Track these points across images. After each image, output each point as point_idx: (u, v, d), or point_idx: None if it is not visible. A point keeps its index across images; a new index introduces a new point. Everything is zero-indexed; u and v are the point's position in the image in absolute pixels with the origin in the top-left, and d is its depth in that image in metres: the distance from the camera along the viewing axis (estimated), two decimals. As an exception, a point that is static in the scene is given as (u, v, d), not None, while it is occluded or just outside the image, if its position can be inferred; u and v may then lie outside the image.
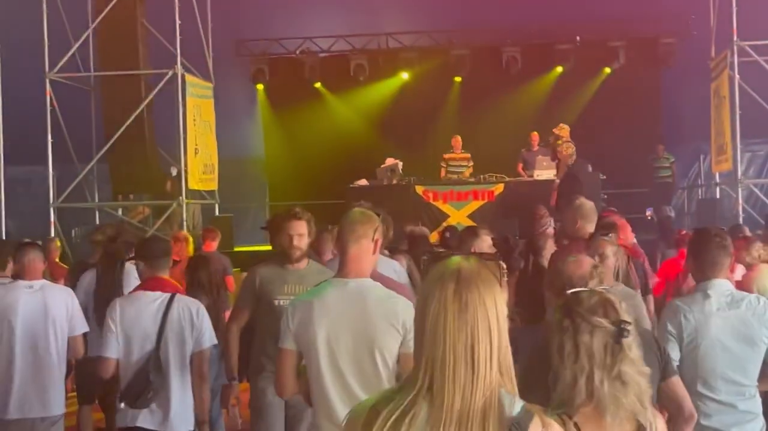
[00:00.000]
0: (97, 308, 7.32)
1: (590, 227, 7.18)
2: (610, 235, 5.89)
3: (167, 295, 5.66)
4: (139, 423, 5.53)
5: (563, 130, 15.75)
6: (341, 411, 4.02)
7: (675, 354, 4.83)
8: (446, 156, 18.08)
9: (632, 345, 2.93)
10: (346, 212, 4.49)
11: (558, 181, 15.11)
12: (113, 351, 5.55)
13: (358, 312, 4.08)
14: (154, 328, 5.54)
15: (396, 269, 6.49)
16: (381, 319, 4.06)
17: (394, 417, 2.32)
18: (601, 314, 2.94)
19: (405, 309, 4.10)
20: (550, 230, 10.79)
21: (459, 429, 2.28)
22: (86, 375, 8.26)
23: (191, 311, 5.65)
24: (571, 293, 3.06)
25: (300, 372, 4.22)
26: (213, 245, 11.13)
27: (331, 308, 4.10)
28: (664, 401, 4.29)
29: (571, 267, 4.26)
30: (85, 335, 6.79)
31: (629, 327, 2.92)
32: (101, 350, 5.64)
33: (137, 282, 6.18)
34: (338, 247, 4.35)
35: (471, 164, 17.87)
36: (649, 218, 17.07)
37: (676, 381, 4.32)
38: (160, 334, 5.53)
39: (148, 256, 5.86)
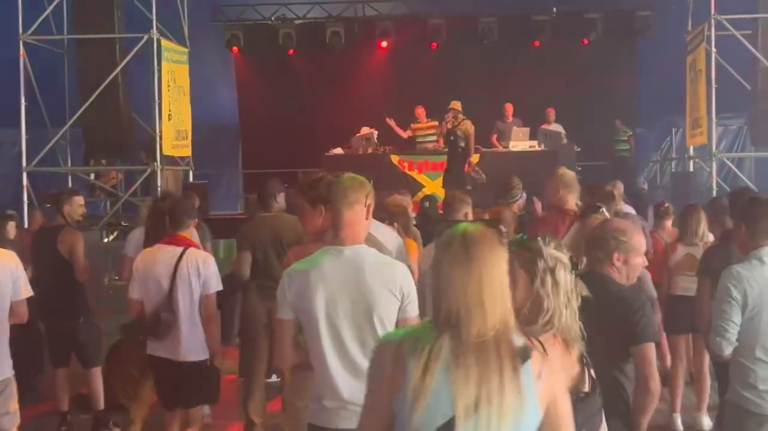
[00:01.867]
0: None
1: (572, 198, 7.22)
2: (601, 209, 5.89)
3: (181, 248, 6.60)
4: (156, 353, 6.60)
5: (457, 104, 15.83)
6: (342, 378, 4.04)
7: (737, 318, 4.92)
8: (414, 126, 17.95)
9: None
10: (335, 179, 4.46)
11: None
12: (135, 293, 6.61)
13: (355, 280, 4.05)
14: (167, 276, 6.50)
15: (394, 237, 6.43)
16: (379, 285, 4.04)
17: (423, 347, 2.70)
18: (563, 253, 3.38)
19: (402, 275, 4.12)
20: (521, 202, 10.83)
21: (477, 355, 2.68)
22: (59, 337, 8.31)
23: (198, 261, 6.58)
24: (530, 237, 3.43)
25: (298, 342, 4.20)
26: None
27: (328, 277, 4.06)
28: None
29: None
30: None
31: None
32: (128, 292, 6.70)
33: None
34: (331, 214, 4.31)
35: (438, 131, 17.58)
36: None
37: (644, 350, 4.32)
38: (172, 280, 6.48)
39: (172, 216, 6.87)
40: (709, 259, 6.81)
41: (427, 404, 2.66)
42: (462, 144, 15.45)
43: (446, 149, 16.55)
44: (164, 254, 6.61)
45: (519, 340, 2.75)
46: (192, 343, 6.58)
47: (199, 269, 6.56)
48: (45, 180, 18.94)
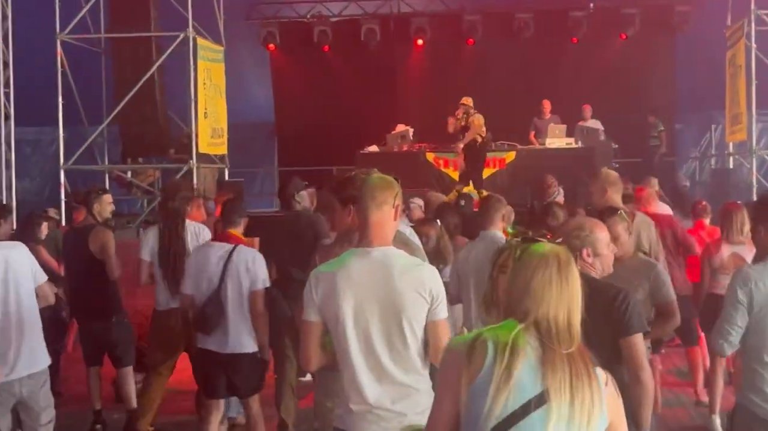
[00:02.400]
0: (162, 265, 7.72)
1: (618, 197, 7.13)
2: (620, 211, 5.83)
3: (231, 245, 6.85)
4: (205, 346, 6.87)
5: (469, 100, 15.84)
6: (369, 382, 3.98)
7: (742, 321, 4.82)
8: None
9: None
10: (363, 179, 4.40)
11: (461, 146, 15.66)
12: (188, 287, 6.89)
13: (383, 282, 3.98)
14: (217, 272, 6.76)
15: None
16: (408, 288, 3.97)
17: (507, 351, 2.84)
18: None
19: (431, 277, 4.04)
20: (560, 199, 10.76)
21: (569, 365, 2.85)
22: (92, 336, 8.34)
23: (247, 259, 6.82)
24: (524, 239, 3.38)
25: (325, 344, 4.15)
26: None
27: (356, 279, 4.00)
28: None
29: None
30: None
31: None
32: (181, 286, 7.03)
33: (198, 237, 7.65)
34: (358, 214, 4.24)
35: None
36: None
37: (632, 342, 4.47)
38: (222, 277, 6.74)
39: (224, 214, 7.24)
40: None
41: (506, 396, 2.80)
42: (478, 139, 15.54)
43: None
44: (216, 250, 6.88)
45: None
46: (240, 337, 6.84)
47: (248, 265, 6.80)
48: (82, 178, 19.10)
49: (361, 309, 3.98)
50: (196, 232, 7.83)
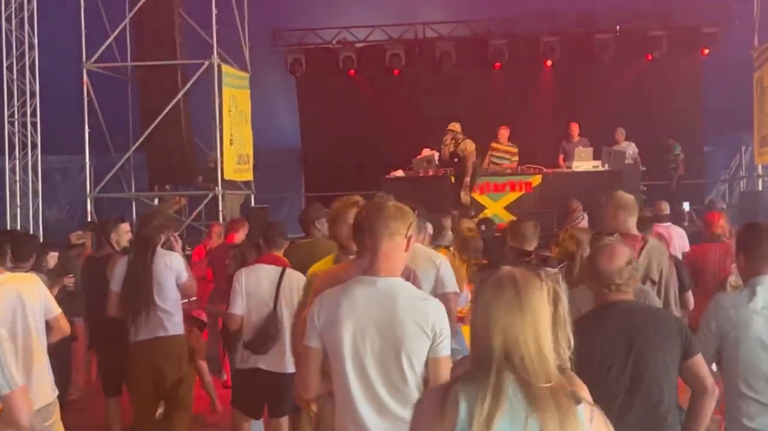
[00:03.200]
0: (124, 293, 7.39)
1: (633, 221, 6.99)
2: (615, 234, 5.73)
3: (280, 268, 7.07)
4: (260, 365, 7.02)
5: (457, 126, 15.95)
6: (366, 414, 3.89)
7: (710, 349, 4.72)
8: (493, 145, 17.61)
9: None
10: (379, 206, 4.34)
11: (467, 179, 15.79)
12: (239, 308, 7.05)
13: (386, 313, 3.90)
14: (271, 293, 6.99)
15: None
16: (410, 322, 3.87)
17: (486, 402, 2.66)
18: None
19: (436, 312, 3.94)
20: (584, 224, 10.62)
21: (555, 402, 2.67)
22: (111, 366, 8.28)
23: (297, 280, 6.85)
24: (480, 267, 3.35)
25: (325, 371, 4.09)
26: (236, 237, 10.91)
27: (359, 308, 3.93)
28: (687, 379, 4.33)
29: (603, 259, 4.40)
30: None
31: None
32: (230, 307, 7.10)
33: (168, 267, 7.35)
34: (369, 242, 4.17)
35: (516, 158, 17.39)
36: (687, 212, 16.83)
37: (699, 360, 4.33)
38: (276, 298, 6.96)
39: (266, 237, 7.42)
40: None
41: None
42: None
43: (508, 171, 16.57)
44: (267, 273, 7.11)
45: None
46: (289, 356, 6.92)
47: (299, 287, 6.75)
48: (111, 205, 19.20)
49: (361, 338, 3.89)
50: (168, 262, 7.49)
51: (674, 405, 4.29)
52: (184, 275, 7.59)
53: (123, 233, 8.46)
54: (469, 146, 15.74)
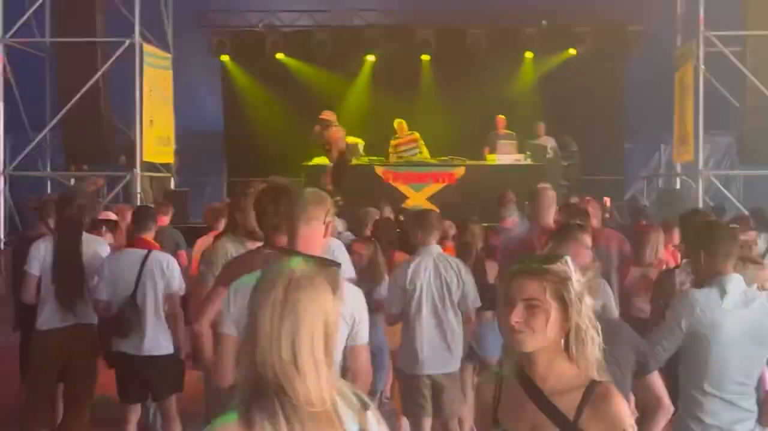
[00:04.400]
0: (57, 280, 7.20)
1: (547, 214, 7.05)
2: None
3: (145, 251, 7.05)
4: (122, 349, 7.03)
5: (331, 115, 16.39)
6: None
7: (673, 345, 4.70)
8: (393, 143, 17.54)
9: None
10: (298, 191, 4.25)
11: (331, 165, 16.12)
12: (104, 293, 7.01)
13: None
14: (132, 277, 6.95)
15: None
16: None
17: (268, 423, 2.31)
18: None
19: (354, 298, 3.88)
20: (514, 218, 10.65)
21: (326, 417, 2.36)
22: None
23: (162, 263, 7.05)
24: (550, 259, 3.06)
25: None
26: (164, 220, 10.75)
27: None
28: (643, 396, 4.23)
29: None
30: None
31: None
32: (96, 294, 7.08)
33: (99, 255, 7.34)
34: (287, 227, 4.07)
35: (420, 142, 17.39)
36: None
37: (656, 378, 4.25)
38: (136, 281, 6.93)
39: (136, 220, 7.36)
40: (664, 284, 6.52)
41: None
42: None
43: (433, 161, 16.60)
44: (131, 256, 7.09)
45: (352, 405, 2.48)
46: (157, 339, 7.04)
47: (163, 269, 7.03)
48: (26, 184, 18.75)
49: None
50: (99, 250, 7.46)
51: None
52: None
53: None
54: (334, 133, 15.98)
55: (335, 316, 2.44)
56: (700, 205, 16.35)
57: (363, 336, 3.86)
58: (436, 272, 6.79)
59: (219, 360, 4.02)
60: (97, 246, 7.49)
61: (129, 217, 9.71)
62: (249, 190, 5.43)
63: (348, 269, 5.78)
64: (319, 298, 2.40)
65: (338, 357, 3.79)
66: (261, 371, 2.33)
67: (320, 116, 16.31)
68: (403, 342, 6.90)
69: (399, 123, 17.52)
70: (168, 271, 7.05)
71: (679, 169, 19.09)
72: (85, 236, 7.45)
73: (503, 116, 17.87)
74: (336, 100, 21.07)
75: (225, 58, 21.46)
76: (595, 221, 8.42)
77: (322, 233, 4.01)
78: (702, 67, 16.50)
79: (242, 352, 2.46)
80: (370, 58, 21.30)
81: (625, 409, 2.91)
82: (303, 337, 2.35)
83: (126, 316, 6.90)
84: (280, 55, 21.24)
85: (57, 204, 7.86)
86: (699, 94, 16.62)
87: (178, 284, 7.09)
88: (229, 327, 3.92)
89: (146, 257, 7.03)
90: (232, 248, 5.31)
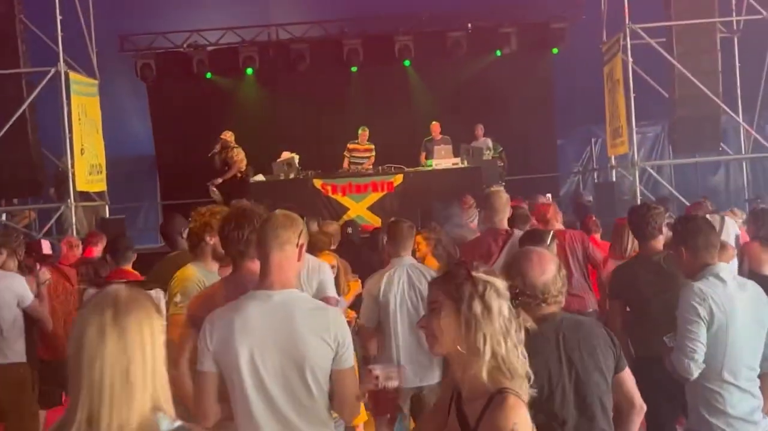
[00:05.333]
0: None
1: (500, 217, 7.06)
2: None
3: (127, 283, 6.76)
4: None
5: (229, 135, 16.80)
6: None
7: (704, 338, 4.69)
8: (350, 146, 17.71)
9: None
10: (266, 215, 4.12)
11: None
12: None
13: (285, 328, 3.70)
14: None
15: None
16: (310, 334, 3.69)
17: None
18: (497, 278, 3.01)
19: (336, 321, 3.78)
20: (475, 222, 10.65)
21: None
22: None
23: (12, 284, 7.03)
24: (456, 262, 3.07)
25: (225, 395, 3.83)
26: (95, 251, 10.43)
27: (255, 325, 3.71)
28: (616, 393, 4.07)
29: (534, 270, 3.85)
30: None
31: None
32: None
33: (8, 289, 7.09)
34: (259, 254, 3.95)
35: (372, 154, 17.56)
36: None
37: (628, 375, 4.09)
38: None
39: (114, 251, 7.40)
40: (619, 279, 6.37)
41: None
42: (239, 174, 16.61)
43: (370, 170, 16.60)
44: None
45: (173, 425, 2.37)
46: None
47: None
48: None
49: (260, 357, 3.68)
50: (8, 284, 7.28)
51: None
52: (28, 298, 7.22)
53: None
54: (237, 154, 16.63)
55: (160, 334, 2.41)
56: (638, 195, 16.55)
57: (348, 359, 3.76)
58: (409, 282, 6.67)
59: (199, 399, 3.86)
60: (7, 281, 7.28)
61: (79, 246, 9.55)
62: (197, 216, 5.29)
63: (332, 290, 5.70)
64: (146, 317, 2.39)
65: (325, 382, 3.70)
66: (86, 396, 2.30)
67: (221, 137, 16.77)
68: (380, 355, 6.78)
69: (363, 130, 17.65)
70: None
71: (613, 161, 19.27)
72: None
73: (437, 122, 17.87)
74: (267, 116, 20.96)
75: (150, 79, 21.15)
76: (557, 224, 8.46)
77: (296, 256, 3.90)
78: (630, 59, 16.68)
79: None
80: (299, 70, 21.15)
81: (514, 417, 2.77)
82: (135, 356, 2.33)
83: None
84: (208, 74, 21.02)
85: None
86: (629, 86, 16.82)
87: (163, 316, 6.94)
88: (207, 364, 3.79)
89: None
90: (204, 278, 5.06)
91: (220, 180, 16.41)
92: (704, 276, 4.83)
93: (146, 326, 2.35)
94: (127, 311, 2.33)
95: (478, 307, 2.90)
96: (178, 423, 2.37)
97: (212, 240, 5.13)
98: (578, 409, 3.76)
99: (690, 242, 4.90)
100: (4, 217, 17.80)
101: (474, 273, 2.97)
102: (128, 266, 7.24)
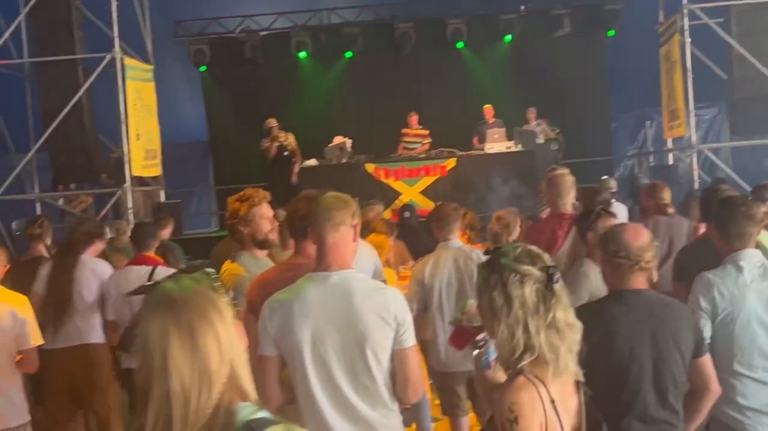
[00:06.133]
0: (50, 299, 7.21)
1: (565, 201, 6.94)
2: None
3: (150, 267, 7.18)
4: (134, 365, 6.41)
5: (273, 121, 16.78)
6: (334, 419, 3.68)
7: (707, 331, 4.61)
8: (403, 131, 17.67)
9: (563, 292, 2.95)
10: (317, 197, 4.12)
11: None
12: (109, 314, 7.22)
13: (344, 309, 3.69)
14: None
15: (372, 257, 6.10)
16: (370, 314, 3.68)
17: None
18: (527, 262, 2.96)
19: (396, 301, 3.76)
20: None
21: None
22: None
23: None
24: (494, 248, 3.09)
25: (284, 379, 3.84)
26: (165, 234, 10.62)
27: (314, 307, 3.71)
28: (692, 377, 4.11)
29: (629, 235, 4.06)
30: None
31: (558, 273, 2.95)
32: (105, 314, 7.24)
33: (94, 273, 7.37)
34: (313, 236, 3.94)
35: (427, 140, 17.46)
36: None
37: (708, 360, 4.15)
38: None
39: (136, 238, 7.53)
40: (683, 261, 6.31)
41: None
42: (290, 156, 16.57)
43: (422, 155, 16.52)
44: (136, 274, 7.14)
45: (257, 414, 2.23)
46: None
47: None
48: (13, 208, 18.53)
49: (321, 339, 3.68)
50: (94, 267, 7.51)
51: (681, 401, 4.08)
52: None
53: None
54: (293, 139, 16.59)
55: (229, 320, 2.29)
56: (695, 179, 16.31)
57: (409, 339, 3.74)
58: (455, 266, 6.63)
59: (261, 384, 3.83)
60: (93, 264, 7.52)
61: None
62: (252, 201, 5.26)
63: (379, 272, 5.69)
64: (212, 309, 2.26)
65: (386, 362, 3.68)
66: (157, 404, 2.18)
67: (272, 124, 16.82)
68: (431, 340, 6.75)
69: (411, 115, 17.60)
70: None
71: (669, 144, 19.00)
72: (86, 258, 7.50)
73: (490, 106, 17.76)
74: (320, 100, 20.99)
75: (203, 68, 21.30)
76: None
77: (351, 237, 3.88)
78: (688, 40, 16.43)
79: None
80: (351, 55, 21.16)
81: (513, 397, 2.84)
82: (210, 354, 2.22)
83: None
84: (259, 59, 21.10)
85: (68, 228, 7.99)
86: (687, 68, 16.59)
87: None
88: (268, 348, 3.80)
89: (152, 272, 7.12)
90: (250, 266, 5.06)
91: (297, 169, 16.51)
92: (724, 263, 4.77)
93: (212, 312, 2.24)
94: (185, 305, 2.22)
95: (499, 297, 2.95)
96: (262, 413, 2.24)
97: (246, 229, 5.19)
98: (653, 383, 3.88)
99: (723, 227, 4.83)
100: (61, 202, 18.03)
101: (503, 260, 2.99)
102: (149, 252, 7.43)
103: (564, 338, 2.91)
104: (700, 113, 20.30)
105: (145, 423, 2.17)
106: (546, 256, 3.04)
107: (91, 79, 16.11)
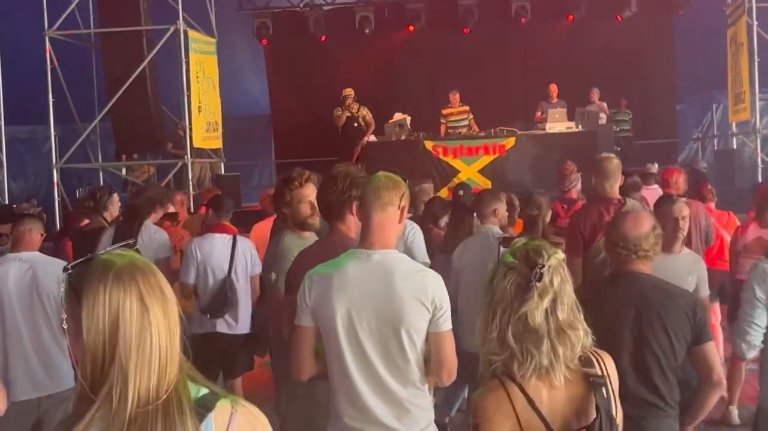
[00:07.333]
0: None
1: (611, 185, 6.87)
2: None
3: (231, 236, 7.55)
4: (218, 329, 7.47)
5: (350, 91, 16.84)
6: (366, 395, 3.71)
7: (761, 320, 4.58)
8: (444, 112, 17.49)
9: (549, 290, 2.86)
10: (369, 176, 4.13)
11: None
12: (192, 276, 7.48)
13: (382, 288, 3.70)
14: (224, 260, 7.42)
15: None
16: (408, 295, 3.67)
17: None
18: (522, 257, 2.92)
19: (434, 284, 3.74)
20: (578, 187, 10.50)
21: (145, 423, 2.14)
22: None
23: (248, 247, 7.57)
24: (501, 239, 3.09)
25: (318, 351, 3.88)
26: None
27: (353, 283, 3.73)
28: (695, 366, 4.13)
29: (628, 224, 4.18)
30: None
31: (546, 273, 2.85)
32: (183, 276, 7.49)
33: (154, 239, 7.84)
34: (361, 214, 3.97)
35: (470, 116, 17.34)
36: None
37: (710, 348, 4.11)
38: (230, 265, 7.40)
39: (215, 207, 7.79)
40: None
41: None
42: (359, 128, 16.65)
43: (482, 133, 16.46)
44: (219, 241, 7.51)
45: (200, 391, 2.28)
46: (246, 318, 7.58)
47: (251, 252, 7.55)
48: (77, 176, 18.87)
49: (357, 315, 3.70)
50: (151, 234, 7.98)
51: (675, 387, 4.10)
52: (162, 252, 7.80)
53: (116, 204, 8.52)
54: (367, 112, 16.79)
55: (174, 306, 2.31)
56: (758, 163, 16.06)
57: (446, 322, 3.74)
58: (481, 251, 6.62)
59: (295, 353, 3.90)
60: (151, 231, 7.97)
61: (182, 202, 10.01)
62: (293, 184, 5.30)
63: (422, 254, 5.71)
64: (162, 282, 2.28)
65: (420, 344, 3.71)
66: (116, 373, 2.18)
67: (348, 93, 17.00)
68: (462, 322, 6.76)
69: (454, 94, 17.42)
70: (252, 254, 7.52)
71: (734, 128, 18.69)
72: (147, 225, 7.99)
73: (555, 84, 17.58)
74: (380, 77, 20.95)
75: (266, 39, 21.40)
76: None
77: (397, 218, 3.89)
78: (755, 22, 16.13)
79: None
80: (412, 31, 21.09)
81: (477, 401, 2.93)
82: (160, 326, 2.25)
83: (226, 296, 7.35)
84: (323, 34, 21.13)
85: (129, 197, 8.19)
86: (753, 50, 16.31)
87: (259, 267, 7.23)
88: (305, 318, 3.84)
89: (235, 241, 7.51)
90: (294, 246, 5.08)
91: (365, 142, 16.63)
92: None
93: (164, 289, 2.27)
94: (144, 280, 2.22)
95: (488, 289, 2.98)
96: (206, 389, 2.30)
97: (288, 210, 5.32)
98: (631, 362, 3.99)
99: None
100: (124, 171, 18.31)
101: (503, 253, 3.00)
102: (227, 221, 7.74)
103: (542, 336, 2.85)
104: (765, 97, 19.95)
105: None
106: (555, 255, 2.95)
107: (155, 50, 16.30)
